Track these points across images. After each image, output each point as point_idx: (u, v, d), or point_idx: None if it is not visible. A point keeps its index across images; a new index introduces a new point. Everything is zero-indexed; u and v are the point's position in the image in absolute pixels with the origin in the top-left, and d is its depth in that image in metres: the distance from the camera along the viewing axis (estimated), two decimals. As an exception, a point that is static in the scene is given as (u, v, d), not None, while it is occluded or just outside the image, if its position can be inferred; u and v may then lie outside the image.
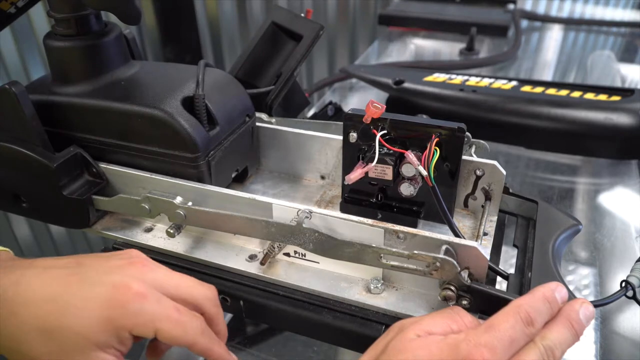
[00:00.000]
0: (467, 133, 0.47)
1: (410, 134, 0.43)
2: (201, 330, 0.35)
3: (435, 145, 0.42)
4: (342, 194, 0.48)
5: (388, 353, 0.31)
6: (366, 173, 0.43)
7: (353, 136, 0.45)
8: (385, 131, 0.43)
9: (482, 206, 0.47)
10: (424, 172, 0.41)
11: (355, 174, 0.42)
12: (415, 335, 0.31)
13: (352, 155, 0.46)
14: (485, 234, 0.45)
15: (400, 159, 0.42)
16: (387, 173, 0.42)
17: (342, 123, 0.46)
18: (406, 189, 0.43)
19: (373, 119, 0.42)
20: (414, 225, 0.45)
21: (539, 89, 0.77)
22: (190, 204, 0.43)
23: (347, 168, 0.44)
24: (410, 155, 0.41)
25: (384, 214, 0.46)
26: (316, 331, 0.43)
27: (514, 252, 0.45)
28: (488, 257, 0.37)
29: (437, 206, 0.41)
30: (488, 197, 0.47)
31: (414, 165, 0.41)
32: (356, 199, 0.47)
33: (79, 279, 0.32)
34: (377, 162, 0.42)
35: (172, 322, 0.33)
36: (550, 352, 0.30)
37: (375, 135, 0.42)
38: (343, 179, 0.45)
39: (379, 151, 0.42)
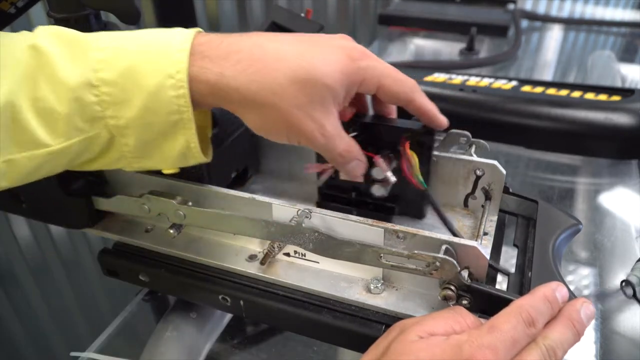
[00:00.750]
0: (467, 133, 0.47)
1: (381, 135, 0.43)
2: (417, 88, 0.40)
3: (410, 149, 0.42)
4: (319, 191, 0.50)
5: (390, 354, 0.31)
6: (338, 173, 0.43)
7: None
8: (356, 133, 0.43)
9: (482, 206, 0.47)
10: (393, 179, 0.42)
11: (325, 174, 0.44)
12: (417, 336, 0.31)
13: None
14: (485, 233, 0.45)
15: (372, 163, 0.42)
16: None
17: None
18: (377, 190, 0.44)
19: (343, 122, 0.41)
20: (388, 221, 0.45)
21: (539, 89, 0.77)
22: (190, 204, 0.43)
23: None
24: (380, 162, 0.42)
25: (358, 211, 0.47)
26: (316, 331, 0.43)
27: (514, 251, 0.45)
28: (488, 257, 0.37)
29: (416, 196, 0.45)
30: (488, 196, 0.47)
31: (384, 170, 0.42)
32: (332, 196, 0.49)
33: (315, 42, 0.36)
34: None
35: (394, 79, 0.38)
36: (552, 352, 0.30)
37: None
38: (318, 178, 0.47)
39: None
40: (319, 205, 0.49)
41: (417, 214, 0.48)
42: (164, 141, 0.36)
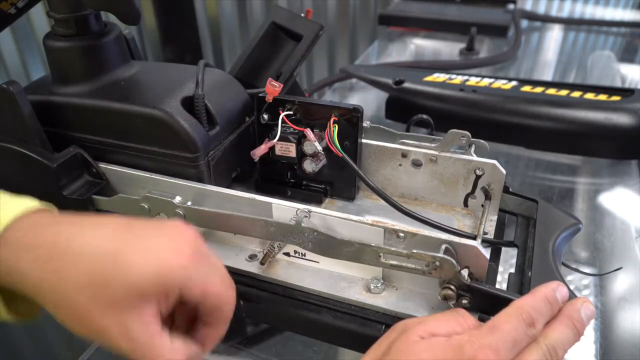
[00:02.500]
0: (467, 133, 0.47)
1: (314, 115, 0.47)
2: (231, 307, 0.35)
3: (334, 123, 0.46)
4: (257, 174, 0.52)
5: (391, 354, 0.31)
6: (272, 150, 0.48)
7: (264, 117, 0.48)
8: (290, 112, 0.47)
9: (482, 205, 0.47)
10: (319, 148, 0.46)
11: (259, 150, 0.48)
12: (419, 337, 0.31)
13: (264, 136, 0.49)
14: (485, 233, 0.45)
15: (303, 138, 0.47)
16: (291, 150, 0.47)
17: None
18: (309, 165, 0.48)
19: (281, 100, 0.47)
20: (321, 202, 0.51)
21: (539, 89, 0.77)
22: (189, 203, 0.43)
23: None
24: (309, 133, 0.46)
25: (293, 191, 0.51)
26: (316, 331, 0.43)
27: (514, 251, 0.45)
28: (488, 257, 0.37)
29: (348, 179, 0.50)
30: (488, 196, 0.47)
31: (311, 141, 0.46)
32: (269, 178, 0.52)
33: (136, 236, 0.32)
34: (279, 139, 0.47)
35: (221, 286, 0.33)
36: (553, 352, 0.30)
37: (280, 115, 0.47)
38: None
39: (283, 130, 0.47)
40: (257, 186, 0.53)
41: (348, 196, 0.52)
42: None
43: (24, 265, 0.31)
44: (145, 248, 0.31)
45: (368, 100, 0.95)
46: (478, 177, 0.47)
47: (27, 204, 0.34)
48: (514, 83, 0.80)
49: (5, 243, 0.31)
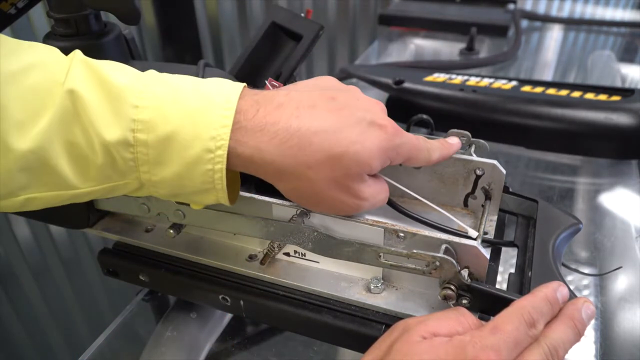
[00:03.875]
0: (467, 133, 0.47)
1: None
2: (435, 147, 0.41)
3: None
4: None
5: (393, 355, 0.31)
6: None
7: None
8: None
9: (482, 205, 0.47)
10: None
11: None
12: (420, 337, 0.31)
13: None
14: (485, 233, 0.45)
15: None
16: None
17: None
18: None
19: None
20: None
21: (539, 89, 0.77)
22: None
23: None
24: None
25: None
26: (316, 331, 0.43)
27: (514, 251, 0.45)
28: (488, 257, 0.37)
29: None
30: (488, 196, 0.47)
31: None
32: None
33: (351, 115, 0.35)
34: None
35: (419, 150, 0.39)
36: (554, 352, 0.30)
37: None
38: None
39: None
40: (258, 186, 0.51)
41: None
42: (195, 196, 0.36)
43: (264, 147, 0.33)
44: (365, 132, 0.35)
45: (368, 100, 0.95)
46: (478, 177, 0.47)
47: (235, 85, 0.35)
48: (514, 83, 0.80)
49: (240, 127, 0.33)
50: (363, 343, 0.36)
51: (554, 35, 1.31)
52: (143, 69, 0.49)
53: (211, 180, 0.34)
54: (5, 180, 0.31)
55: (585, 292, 0.56)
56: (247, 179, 0.53)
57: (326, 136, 0.34)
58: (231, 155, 0.33)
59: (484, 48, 1.18)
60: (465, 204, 0.49)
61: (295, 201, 0.38)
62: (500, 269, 0.44)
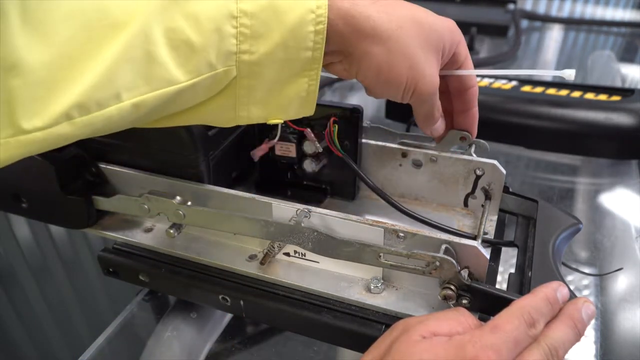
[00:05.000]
0: (467, 133, 0.47)
1: (314, 115, 0.46)
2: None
3: (334, 123, 0.46)
4: (257, 174, 0.53)
5: (393, 354, 0.31)
6: (272, 151, 0.48)
7: None
8: None
9: (482, 205, 0.47)
10: (319, 148, 0.46)
11: (260, 150, 0.48)
12: (420, 336, 0.31)
13: (265, 136, 0.49)
14: (485, 233, 0.45)
15: (303, 138, 0.47)
16: (291, 150, 0.48)
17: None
18: (309, 165, 0.48)
19: None
20: (321, 202, 0.50)
21: (539, 89, 0.77)
22: (189, 203, 0.43)
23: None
24: (309, 133, 0.46)
25: (293, 191, 0.51)
26: (316, 331, 0.43)
27: (514, 251, 0.45)
28: (488, 257, 0.37)
29: (348, 179, 0.50)
30: (488, 196, 0.47)
31: (311, 141, 0.46)
32: (269, 178, 0.52)
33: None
34: (279, 139, 0.47)
35: (471, 63, 0.42)
36: (554, 352, 0.30)
37: None
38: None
39: (283, 130, 0.47)
40: (257, 186, 0.53)
41: (348, 196, 0.52)
42: (287, 84, 0.35)
43: (360, 2, 0.35)
44: (439, 17, 0.40)
45: (368, 100, 0.95)
46: (478, 177, 0.47)
47: None
48: (514, 83, 0.80)
49: None
50: (363, 343, 0.36)
51: (554, 35, 1.31)
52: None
53: (312, 46, 0.34)
54: (111, 75, 0.29)
55: (585, 292, 0.56)
56: (247, 178, 0.53)
57: (411, 6, 0.38)
58: (330, 10, 0.34)
59: (484, 48, 1.18)
60: (465, 204, 0.49)
61: (385, 78, 0.38)
62: (500, 269, 0.44)
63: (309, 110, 0.37)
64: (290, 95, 0.36)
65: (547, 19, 1.37)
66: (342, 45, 0.36)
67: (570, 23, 1.35)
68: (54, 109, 0.28)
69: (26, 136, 0.28)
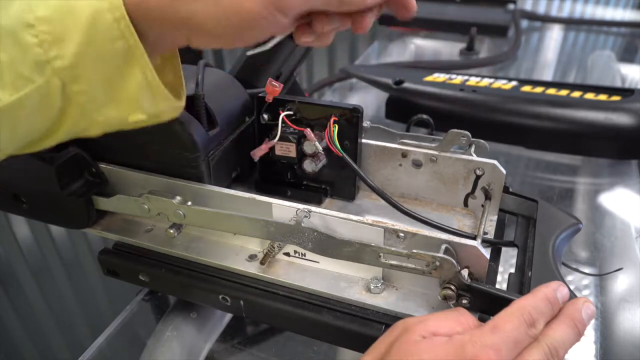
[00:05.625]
0: (467, 133, 0.47)
1: (314, 115, 0.47)
2: None
3: (334, 123, 0.46)
4: (257, 174, 0.52)
5: (392, 354, 0.31)
6: (272, 151, 0.48)
7: (264, 117, 0.48)
8: (291, 112, 0.47)
9: (482, 205, 0.47)
10: (319, 148, 0.46)
11: (259, 150, 0.48)
12: (420, 336, 0.31)
13: (264, 136, 0.49)
14: (485, 233, 0.45)
15: (303, 138, 0.47)
16: (291, 150, 0.47)
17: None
18: (309, 165, 0.48)
19: (281, 100, 0.47)
20: (321, 202, 0.51)
21: (539, 89, 0.77)
22: (189, 203, 0.43)
23: None
24: (309, 133, 0.46)
25: (293, 191, 0.51)
26: (316, 331, 0.43)
27: (514, 251, 0.45)
28: (488, 257, 0.37)
29: (348, 179, 0.50)
30: (488, 196, 0.47)
31: (311, 141, 0.46)
32: (269, 178, 0.52)
33: None
34: (279, 139, 0.47)
35: None
36: (554, 351, 0.30)
37: (280, 115, 0.46)
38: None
39: (283, 130, 0.47)
40: (257, 186, 0.53)
41: (348, 196, 0.51)
42: (120, 79, 0.33)
43: None
44: None
45: (368, 100, 0.95)
46: (478, 177, 0.47)
47: None
48: (514, 83, 0.80)
49: None
50: (363, 343, 0.36)
51: (554, 35, 1.31)
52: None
53: (120, 35, 0.31)
54: None
55: (585, 292, 0.56)
56: (247, 178, 0.53)
57: None
58: (129, 4, 0.31)
59: (484, 48, 1.18)
60: (465, 204, 0.49)
61: (224, 25, 0.33)
62: (500, 269, 0.44)
63: (167, 99, 0.35)
64: (131, 88, 0.34)
65: (547, 19, 1.36)
66: (165, 20, 0.33)
67: (570, 23, 1.35)
68: None
69: None
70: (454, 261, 0.35)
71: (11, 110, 0.32)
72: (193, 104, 0.45)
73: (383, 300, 0.41)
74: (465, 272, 0.37)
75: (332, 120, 0.46)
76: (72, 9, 0.31)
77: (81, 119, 0.35)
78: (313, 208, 0.40)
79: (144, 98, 0.34)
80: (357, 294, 0.41)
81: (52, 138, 0.35)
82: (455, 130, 0.47)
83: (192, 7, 0.32)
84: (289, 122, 0.47)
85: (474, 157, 0.46)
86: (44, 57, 0.31)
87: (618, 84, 0.97)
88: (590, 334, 0.50)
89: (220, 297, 0.45)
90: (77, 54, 0.32)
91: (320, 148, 0.46)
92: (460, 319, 0.33)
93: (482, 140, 0.48)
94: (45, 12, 0.31)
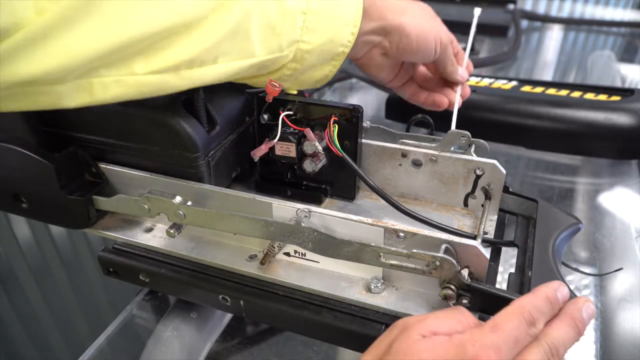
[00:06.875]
0: (467, 133, 0.47)
1: (314, 115, 0.47)
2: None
3: (334, 123, 0.46)
4: (257, 174, 0.52)
5: (392, 354, 0.31)
6: (272, 151, 0.48)
7: (264, 117, 0.49)
8: (291, 112, 0.47)
9: (482, 205, 0.47)
10: (319, 148, 0.46)
11: (259, 150, 0.48)
12: (420, 335, 0.31)
13: (264, 136, 0.49)
14: (485, 233, 0.45)
15: (303, 138, 0.47)
16: (291, 150, 0.47)
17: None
18: (309, 165, 0.48)
19: (281, 100, 0.47)
20: (321, 202, 0.51)
21: (539, 89, 0.77)
22: (189, 203, 0.43)
23: None
24: (309, 133, 0.46)
25: (293, 191, 0.51)
26: (316, 331, 0.43)
27: (514, 251, 0.45)
28: (488, 256, 0.37)
29: (348, 179, 0.50)
30: (488, 196, 0.47)
31: (311, 141, 0.46)
32: (269, 178, 0.52)
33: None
34: (279, 139, 0.47)
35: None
36: (554, 351, 0.30)
37: (280, 115, 0.47)
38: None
39: (283, 130, 0.47)
40: (257, 186, 0.53)
41: (348, 196, 0.52)
42: (317, 68, 0.46)
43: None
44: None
45: (368, 100, 0.95)
46: (478, 177, 0.47)
47: None
48: (514, 83, 0.79)
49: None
50: (363, 343, 0.36)
51: (554, 35, 1.31)
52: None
53: (346, 43, 0.45)
54: (217, 42, 0.37)
55: (585, 292, 0.56)
56: (247, 178, 0.53)
57: None
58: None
59: (484, 48, 1.18)
60: (465, 204, 0.49)
61: (415, 39, 0.50)
62: (500, 269, 0.44)
63: (317, 85, 0.49)
64: (315, 76, 0.47)
65: (547, 19, 1.37)
66: (380, 21, 0.47)
67: (570, 23, 1.35)
68: (166, 60, 0.35)
69: (136, 77, 0.35)
70: (454, 261, 0.35)
71: (254, 66, 0.41)
72: (193, 104, 0.45)
73: (383, 300, 0.41)
74: (465, 272, 0.37)
75: (332, 120, 0.46)
76: (332, 12, 0.43)
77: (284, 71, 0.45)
78: (313, 208, 0.40)
79: (311, 83, 0.48)
80: (357, 294, 0.41)
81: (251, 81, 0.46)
82: (455, 130, 0.47)
83: (400, 19, 0.50)
84: (289, 122, 0.47)
85: (474, 157, 0.46)
86: (298, 38, 0.42)
87: (618, 84, 0.97)
88: (590, 334, 0.50)
89: (220, 297, 0.45)
90: (317, 45, 0.43)
91: (320, 148, 0.46)
92: (460, 318, 0.33)
93: (482, 140, 0.48)
94: (315, 7, 0.42)
